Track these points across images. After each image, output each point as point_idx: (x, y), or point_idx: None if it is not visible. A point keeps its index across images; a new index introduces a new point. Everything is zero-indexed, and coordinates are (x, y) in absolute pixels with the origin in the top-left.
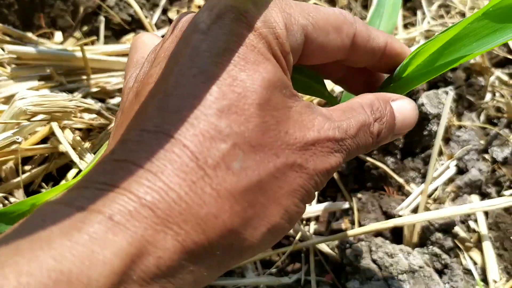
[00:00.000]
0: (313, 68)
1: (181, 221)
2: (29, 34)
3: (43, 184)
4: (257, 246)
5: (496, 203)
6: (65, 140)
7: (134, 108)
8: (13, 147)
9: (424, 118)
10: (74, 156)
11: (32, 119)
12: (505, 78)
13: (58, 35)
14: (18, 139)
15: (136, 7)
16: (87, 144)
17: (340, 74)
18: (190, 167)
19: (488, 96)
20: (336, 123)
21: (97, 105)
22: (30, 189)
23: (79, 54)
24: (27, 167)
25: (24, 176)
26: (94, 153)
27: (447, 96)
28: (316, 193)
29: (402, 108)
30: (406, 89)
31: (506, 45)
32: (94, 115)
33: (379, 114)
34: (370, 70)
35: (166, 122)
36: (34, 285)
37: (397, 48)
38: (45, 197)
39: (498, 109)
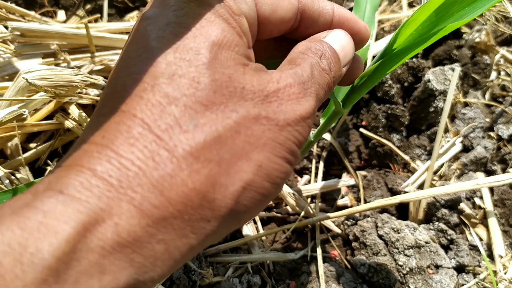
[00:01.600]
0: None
1: (135, 185)
2: (32, 13)
3: (49, 161)
4: (235, 208)
5: (502, 179)
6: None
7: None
8: (19, 124)
9: (430, 95)
10: (80, 132)
11: (37, 94)
12: (511, 56)
13: (61, 14)
14: (24, 112)
15: None
16: None
17: None
18: (142, 134)
19: (494, 75)
20: (290, 71)
21: (102, 81)
22: (36, 165)
23: (83, 31)
24: (32, 145)
25: (29, 153)
26: None
27: (453, 73)
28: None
29: (335, 39)
30: (400, 60)
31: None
32: (99, 91)
33: (320, 52)
34: None
35: (117, 101)
36: None
37: (346, 13)
38: None
39: (503, 88)
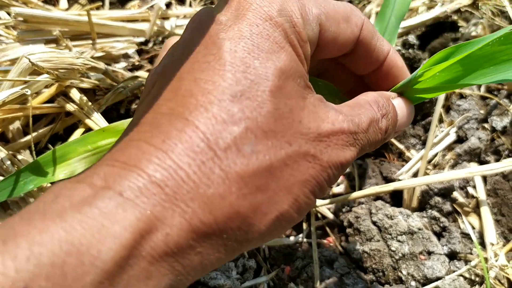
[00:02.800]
0: (327, 79)
1: (189, 199)
2: (35, 0)
3: (49, 145)
4: (264, 234)
5: (494, 168)
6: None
7: (152, 94)
8: (22, 106)
9: None
10: (81, 116)
11: (40, 76)
12: None
13: (63, 2)
14: (27, 91)
15: None
16: (93, 105)
17: (349, 85)
18: (201, 148)
19: None
20: (349, 117)
21: (103, 65)
22: (37, 148)
23: (85, 18)
24: (34, 128)
25: (30, 136)
26: (101, 113)
27: None
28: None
29: (402, 105)
30: (422, 97)
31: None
32: (100, 75)
33: (384, 110)
34: (371, 86)
35: (179, 105)
36: (46, 254)
37: (398, 61)
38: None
39: None
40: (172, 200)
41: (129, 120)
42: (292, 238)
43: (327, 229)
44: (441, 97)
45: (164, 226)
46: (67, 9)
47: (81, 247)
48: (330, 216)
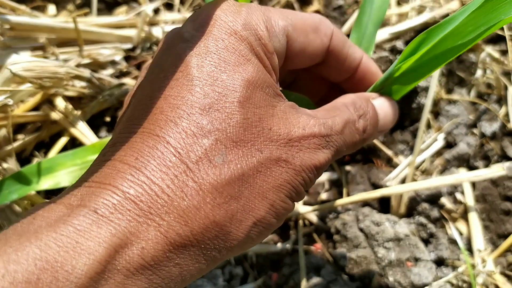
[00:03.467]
0: (297, 88)
1: (163, 212)
2: (23, 7)
3: (36, 152)
4: (244, 241)
5: (482, 174)
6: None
7: (126, 114)
8: (5, 115)
9: (412, 91)
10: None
11: (23, 85)
12: (496, 55)
13: (52, 8)
14: (9, 102)
15: None
16: (78, 113)
17: (322, 92)
18: (173, 162)
19: (479, 73)
20: (321, 120)
21: (88, 73)
22: (22, 155)
23: (71, 25)
24: (20, 136)
25: (16, 144)
26: (86, 121)
27: None
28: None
29: (383, 105)
30: (402, 90)
31: None
32: (85, 83)
33: (362, 111)
34: (346, 91)
35: (151, 122)
36: (21, 272)
37: (371, 67)
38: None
39: (489, 85)
40: (147, 214)
41: None
42: (279, 245)
43: (315, 235)
44: (428, 102)
45: (139, 240)
46: (55, 15)
47: (56, 264)
48: (318, 222)
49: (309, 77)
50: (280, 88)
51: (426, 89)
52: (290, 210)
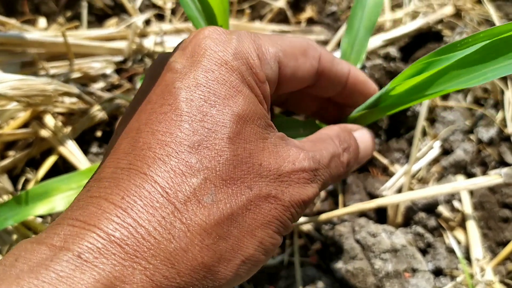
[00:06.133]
0: (289, 105)
1: (150, 256)
2: (13, 21)
3: (27, 168)
4: (233, 279)
5: (479, 182)
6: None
7: (114, 146)
8: None
9: None
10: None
11: (11, 104)
12: None
13: (42, 22)
14: None
15: None
16: (68, 129)
17: (314, 108)
18: (160, 203)
19: None
20: (310, 154)
21: (76, 89)
22: (13, 173)
23: (61, 39)
24: (11, 153)
25: (7, 161)
26: (75, 139)
27: None
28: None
29: (363, 137)
30: (396, 108)
31: None
32: (74, 99)
33: (346, 144)
34: (338, 103)
35: (138, 159)
36: None
37: (359, 76)
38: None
39: (486, 90)
40: (133, 258)
41: None
42: (275, 258)
43: (311, 247)
44: (423, 110)
45: (124, 285)
46: (46, 29)
47: None
48: (314, 234)
49: (301, 95)
50: (272, 117)
51: None
52: (278, 244)
